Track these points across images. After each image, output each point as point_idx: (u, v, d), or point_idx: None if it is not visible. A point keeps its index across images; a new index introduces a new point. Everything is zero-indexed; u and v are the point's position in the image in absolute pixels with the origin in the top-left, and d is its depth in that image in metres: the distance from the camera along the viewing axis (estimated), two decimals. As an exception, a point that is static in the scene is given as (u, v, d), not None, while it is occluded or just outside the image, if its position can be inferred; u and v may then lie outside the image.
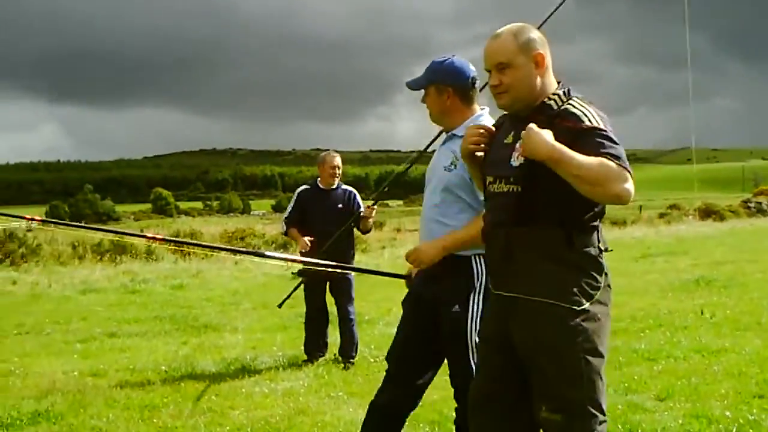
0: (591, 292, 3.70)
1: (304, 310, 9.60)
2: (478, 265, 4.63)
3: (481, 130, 4.00)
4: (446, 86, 4.79)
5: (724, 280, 15.80)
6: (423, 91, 4.88)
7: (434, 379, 8.07)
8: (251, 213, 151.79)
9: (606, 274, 3.81)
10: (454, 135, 4.78)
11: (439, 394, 7.49)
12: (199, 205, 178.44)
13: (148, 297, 17.27)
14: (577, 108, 3.68)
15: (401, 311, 5.03)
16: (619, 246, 29.49)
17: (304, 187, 9.61)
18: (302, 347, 9.53)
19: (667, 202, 76.55)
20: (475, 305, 4.62)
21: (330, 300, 9.54)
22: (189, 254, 26.82)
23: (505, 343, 3.82)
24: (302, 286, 9.33)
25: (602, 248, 3.80)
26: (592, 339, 3.67)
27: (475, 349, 4.57)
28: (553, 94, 3.81)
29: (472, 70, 4.83)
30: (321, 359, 9.27)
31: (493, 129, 4.03)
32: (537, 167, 3.56)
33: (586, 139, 3.54)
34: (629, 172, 3.48)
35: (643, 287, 15.62)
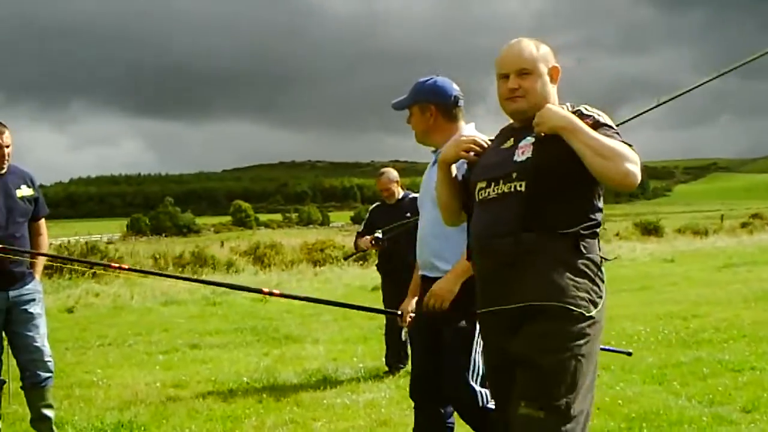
0: (597, 300, 3.68)
1: (384, 321, 9.54)
2: None
3: (476, 139, 3.96)
4: (429, 104, 4.83)
5: (810, 290, 15.40)
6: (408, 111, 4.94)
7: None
8: (330, 225, 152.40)
9: (605, 283, 3.80)
10: (439, 152, 4.65)
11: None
12: (278, 217, 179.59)
13: (229, 309, 17.37)
14: (589, 110, 3.76)
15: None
16: (702, 256, 29.03)
17: (375, 204, 9.78)
18: (383, 358, 9.48)
19: (750, 212, 75.17)
20: None
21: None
22: (269, 266, 26.98)
23: (512, 365, 3.69)
24: (381, 296, 9.39)
25: (602, 257, 3.78)
26: (593, 346, 3.69)
27: (476, 369, 4.59)
28: (561, 104, 3.84)
29: (455, 89, 4.89)
30: (402, 370, 9.17)
31: (487, 141, 4.01)
32: (543, 161, 3.61)
33: (603, 130, 3.60)
34: (636, 160, 3.51)
35: (726, 297, 15.28)
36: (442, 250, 4.73)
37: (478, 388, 4.57)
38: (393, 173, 9.47)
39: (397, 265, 8.50)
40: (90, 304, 18.28)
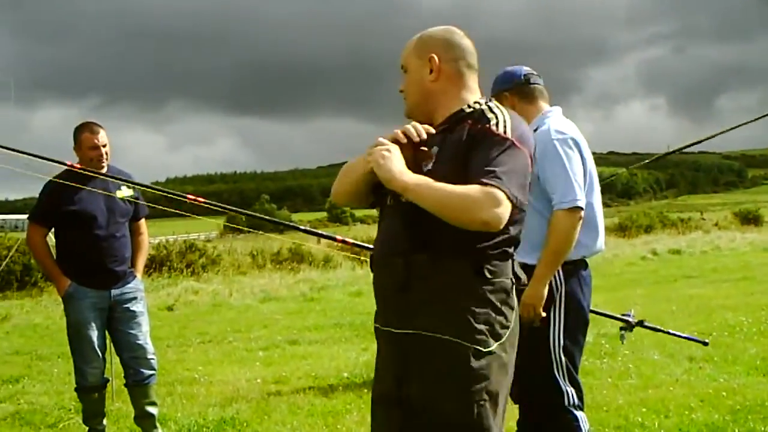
0: (500, 331, 3.23)
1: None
2: (558, 275, 4.49)
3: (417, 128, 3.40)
4: (503, 92, 4.83)
5: None
6: None
7: (618, 383, 7.91)
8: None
9: (516, 311, 3.38)
10: None
11: (624, 398, 7.30)
12: (374, 212, 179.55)
13: (327, 304, 17.44)
14: (492, 111, 3.32)
15: None
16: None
17: None
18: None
19: None
20: (558, 318, 4.50)
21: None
22: (366, 261, 27.04)
23: (401, 391, 3.31)
24: None
25: (516, 279, 3.36)
26: (498, 384, 3.23)
27: (561, 366, 4.49)
28: (475, 102, 3.43)
29: (524, 70, 4.89)
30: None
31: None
32: (438, 173, 3.19)
33: (484, 147, 3.16)
34: (507, 192, 3.04)
35: None
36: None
37: (565, 385, 4.47)
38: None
39: None
40: (189, 301, 18.52)
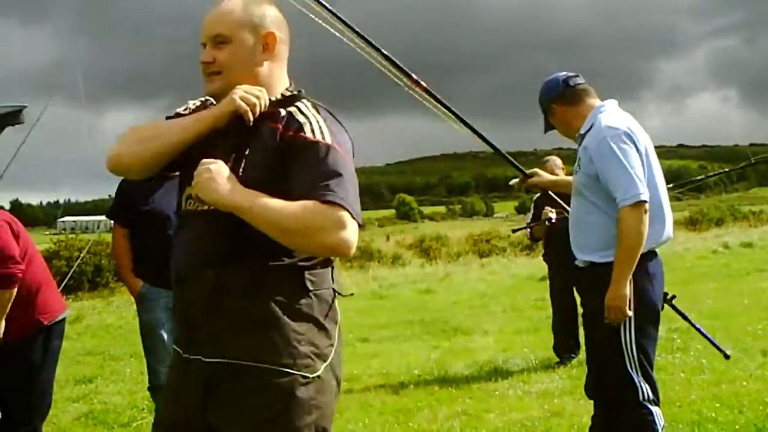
0: (326, 351, 2.87)
1: (552, 311, 9.42)
2: None
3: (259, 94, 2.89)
4: (549, 105, 4.88)
5: None
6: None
7: (691, 379, 7.81)
8: (494, 215, 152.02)
9: (339, 326, 3.04)
10: (581, 135, 4.71)
11: (697, 393, 7.21)
12: (442, 209, 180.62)
13: (397, 302, 17.48)
14: (302, 114, 2.85)
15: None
16: None
17: (539, 193, 9.51)
18: (552, 349, 9.34)
19: None
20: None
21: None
22: (435, 258, 27.06)
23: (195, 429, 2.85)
24: (549, 285, 9.32)
25: (336, 291, 3.04)
26: (325, 417, 2.87)
27: (635, 361, 4.42)
28: (287, 91, 3.01)
29: (562, 75, 4.88)
30: (574, 360, 9.00)
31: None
32: (250, 172, 2.78)
33: (306, 157, 2.74)
34: (351, 212, 2.72)
35: None
36: (579, 239, 4.68)
37: (638, 379, 4.43)
38: (557, 161, 9.31)
39: (562, 254, 8.33)
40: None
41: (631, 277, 4.35)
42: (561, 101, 4.80)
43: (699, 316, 11.73)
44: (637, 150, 4.41)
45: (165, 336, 6.40)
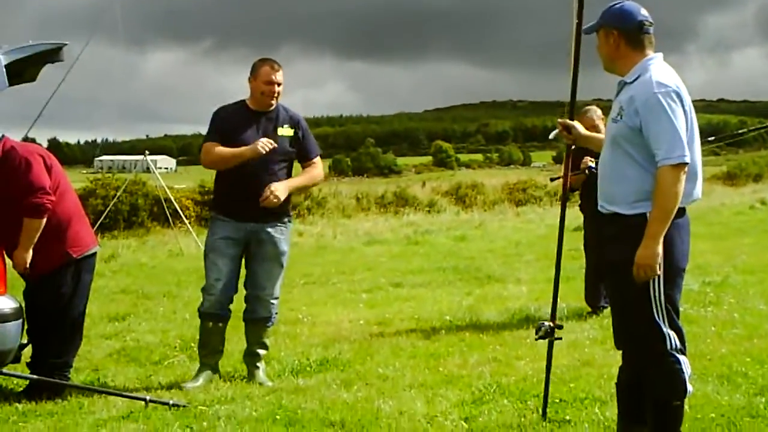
0: None
1: (585, 261, 9.40)
2: None
3: None
4: (612, 29, 4.63)
5: None
6: None
7: (722, 333, 7.78)
8: (531, 165, 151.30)
9: None
10: (624, 83, 4.59)
11: (728, 348, 7.19)
12: (479, 157, 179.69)
13: (431, 248, 17.50)
14: None
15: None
16: None
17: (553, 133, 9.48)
18: (584, 299, 9.32)
19: None
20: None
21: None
22: (471, 206, 27.02)
23: None
24: (584, 240, 9.26)
25: None
26: None
27: (662, 310, 4.39)
28: None
29: (642, 14, 4.62)
30: (605, 310, 8.98)
31: None
32: None
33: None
34: None
35: None
36: (610, 189, 4.60)
37: (666, 329, 4.41)
38: (597, 111, 9.22)
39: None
40: (294, 243, 18.73)
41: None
42: (625, 36, 4.61)
43: (734, 271, 11.69)
44: (684, 110, 4.36)
45: (220, 264, 6.60)
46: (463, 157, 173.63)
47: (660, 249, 4.31)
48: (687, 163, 4.26)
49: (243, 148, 6.46)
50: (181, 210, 19.39)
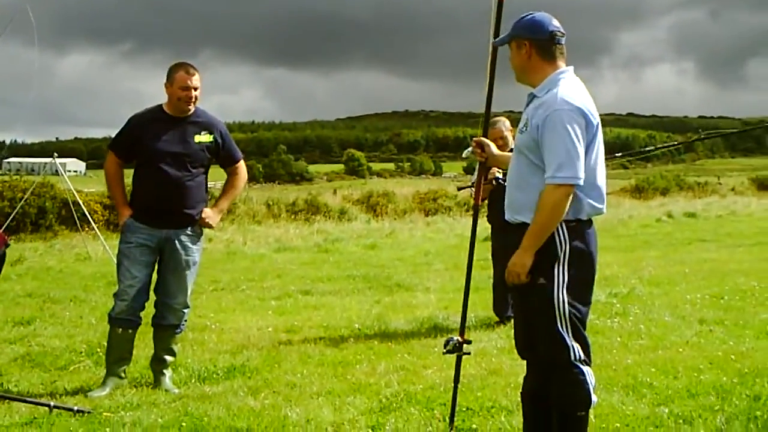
0: None
1: (492, 272, 9.47)
2: (562, 233, 4.40)
3: None
4: (524, 40, 4.61)
5: None
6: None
7: (628, 343, 7.93)
8: (443, 175, 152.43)
9: None
10: (534, 95, 4.60)
11: (633, 358, 7.34)
12: (391, 166, 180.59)
13: (341, 256, 17.51)
14: None
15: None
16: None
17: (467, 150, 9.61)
18: (491, 308, 9.41)
19: None
20: (561, 275, 4.40)
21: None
22: (382, 215, 27.08)
23: None
24: (491, 250, 9.33)
25: None
26: None
27: (565, 321, 4.41)
28: None
29: (554, 25, 4.60)
30: (512, 320, 9.07)
31: None
32: None
33: None
34: None
35: None
36: (516, 198, 4.62)
37: (569, 340, 4.45)
38: (506, 123, 9.32)
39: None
40: (204, 249, 18.50)
41: (566, 239, 4.38)
42: (537, 47, 4.59)
43: (640, 283, 11.94)
44: (587, 127, 4.38)
45: (133, 271, 6.51)
46: (375, 166, 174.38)
47: (531, 261, 4.39)
48: (574, 186, 4.29)
49: (120, 210, 6.64)
50: (90, 214, 19.06)
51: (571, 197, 4.31)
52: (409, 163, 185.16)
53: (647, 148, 8.48)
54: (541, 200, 4.33)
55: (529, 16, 4.65)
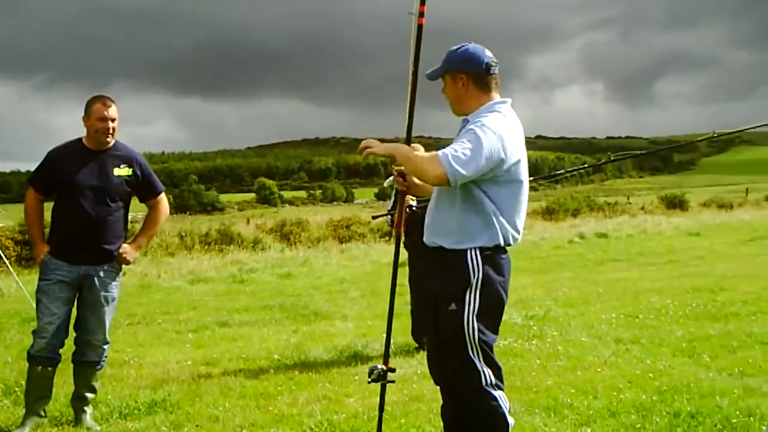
0: None
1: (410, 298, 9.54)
2: (475, 259, 4.50)
3: None
4: (460, 73, 4.70)
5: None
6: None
7: (547, 365, 8.07)
8: (354, 201, 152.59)
9: None
10: (467, 120, 4.66)
11: (553, 380, 7.47)
12: (302, 194, 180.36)
13: (257, 286, 17.44)
14: None
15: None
16: (727, 229, 29.15)
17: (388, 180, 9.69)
18: (410, 334, 9.49)
19: (775, 184, 75.07)
20: (472, 301, 4.49)
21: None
22: (296, 243, 27.03)
23: None
24: (408, 276, 9.39)
25: None
26: None
27: (476, 346, 4.49)
28: None
29: (487, 56, 4.71)
30: (432, 346, 9.14)
31: None
32: None
33: None
34: None
35: (753, 271, 15.48)
36: (436, 223, 4.71)
37: (480, 365, 4.53)
38: (420, 149, 9.41)
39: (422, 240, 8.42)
40: (119, 283, 18.35)
41: (479, 266, 4.47)
42: (472, 77, 4.68)
43: (555, 304, 12.14)
44: (503, 156, 4.42)
45: (52, 308, 6.42)
46: (287, 194, 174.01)
47: (384, 150, 4.69)
48: (449, 178, 4.30)
49: (37, 247, 6.55)
50: (1, 249, 18.71)
51: (485, 223, 4.45)
52: (320, 191, 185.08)
53: (559, 171, 8.57)
54: (427, 159, 4.40)
55: (462, 49, 4.73)
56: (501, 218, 4.53)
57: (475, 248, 4.50)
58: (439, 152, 4.35)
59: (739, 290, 12.67)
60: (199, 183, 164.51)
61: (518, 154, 4.55)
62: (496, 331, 4.65)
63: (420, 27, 5.04)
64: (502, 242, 4.56)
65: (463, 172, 4.28)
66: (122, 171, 6.59)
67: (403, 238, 9.78)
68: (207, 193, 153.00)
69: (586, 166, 10.08)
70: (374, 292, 14.61)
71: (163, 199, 7.02)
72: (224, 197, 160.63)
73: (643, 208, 45.09)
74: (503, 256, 4.63)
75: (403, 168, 5.05)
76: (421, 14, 5.03)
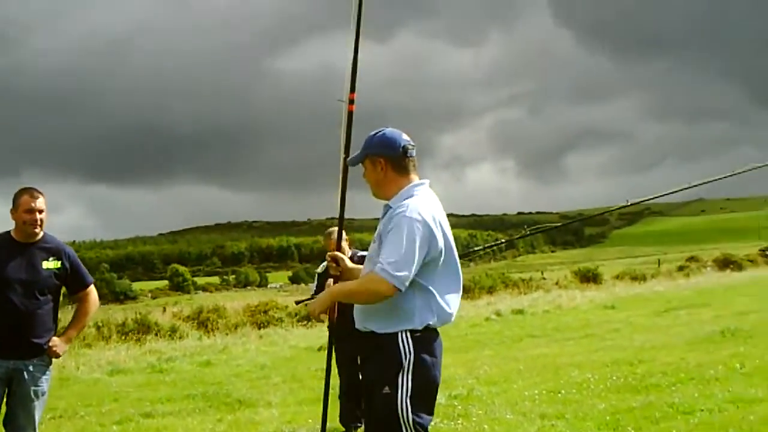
0: None
1: (338, 382, 9.66)
2: (407, 342, 4.61)
3: None
4: (378, 157, 4.85)
5: (749, 329, 15.84)
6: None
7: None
8: (269, 285, 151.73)
9: None
10: (389, 206, 4.79)
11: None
12: (216, 279, 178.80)
13: (177, 375, 17.30)
14: None
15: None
16: (641, 301, 29.61)
17: (323, 264, 9.74)
18: (338, 419, 9.55)
19: (685, 255, 76.62)
20: (405, 384, 4.58)
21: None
22: (213, 330, 26.87)
23: None
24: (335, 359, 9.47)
25: None
26: None
27: (409, 428, 4.57)
28: None
29: (404, 139, 4.86)
30: (360, 429, 9.26)
31: None
32: None
33: None
34: None
35: (670, 341, 15.70)
36: (365, 307, 4.78)
37: None
38: (345, 258, 9.54)
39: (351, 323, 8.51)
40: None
41: (411, 349, 4.62)
42: (390, 162, 4.82)
43: (477, 383, 12.27)
44: (431, 240, 4.58)
45: None
46: (200, 280, 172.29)
47: (328, 303, 4.87)
48: (399, 289, 4.47)
49: None
50: None
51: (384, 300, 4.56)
52: (234, 276, 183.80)
53: (477, 248, 8.80)
54: (366, 281, 4.57)
55: (380, 134, 4.89)
56: (432, 300, 4.65)
57: (406, 331, 4.60)
58: (375, 269, 4.51)
59: (658, 361, 12.88)
60: (111, 271, 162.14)
61: (443, 235, 4.70)
62: (430, 413, 4.72)
63: (350, 114, 5.24)
64: (432, 323, 4.67)
65: (405, 273, 4.46)
66: (51, 264, 6.63)
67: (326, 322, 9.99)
68: (119, 281, 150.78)
69: (502, 242, 10.28)
70: (295, 378, 14.65)
71: (93, 291, 7.09)
72: (137, 285, 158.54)
73: (557, 283, 45.56)
74: (435, 337, 4.74)
75: (336, 254, 5.27)
76: (351, 101, 5.23)
